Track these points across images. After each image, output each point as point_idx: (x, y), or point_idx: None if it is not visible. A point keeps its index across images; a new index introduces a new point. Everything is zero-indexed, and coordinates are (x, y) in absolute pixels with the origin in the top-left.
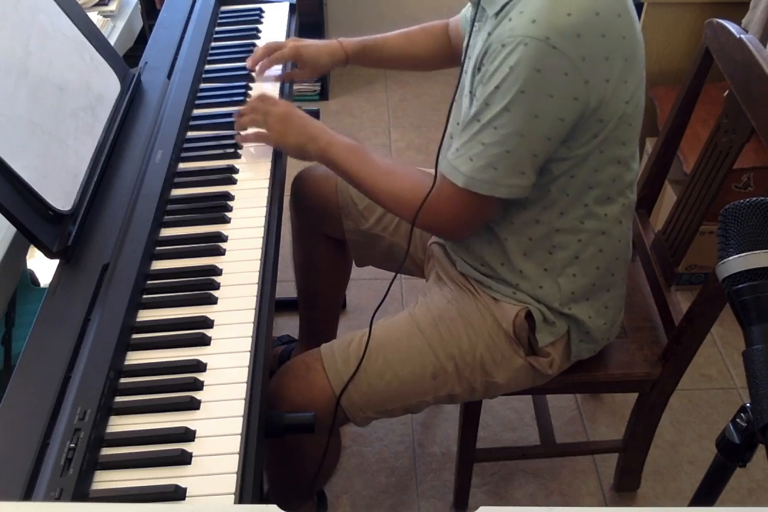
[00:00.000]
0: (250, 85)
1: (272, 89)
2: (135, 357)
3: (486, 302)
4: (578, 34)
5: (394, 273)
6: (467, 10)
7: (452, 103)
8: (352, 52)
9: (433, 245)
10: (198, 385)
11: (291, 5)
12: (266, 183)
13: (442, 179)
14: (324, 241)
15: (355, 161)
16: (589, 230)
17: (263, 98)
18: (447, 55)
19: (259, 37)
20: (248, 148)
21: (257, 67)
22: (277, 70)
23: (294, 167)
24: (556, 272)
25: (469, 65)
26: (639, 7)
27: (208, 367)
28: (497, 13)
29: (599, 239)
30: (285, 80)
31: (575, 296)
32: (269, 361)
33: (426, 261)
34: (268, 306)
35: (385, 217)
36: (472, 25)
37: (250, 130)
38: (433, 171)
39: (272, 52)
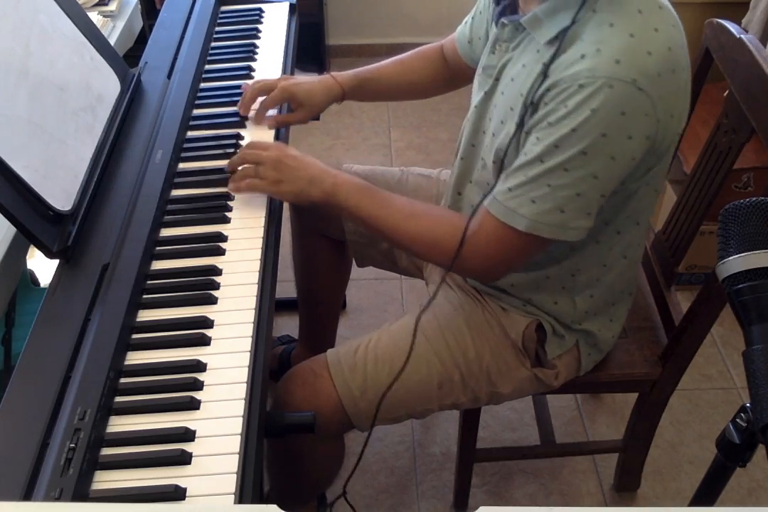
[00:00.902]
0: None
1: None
2: (135, 357)
3: (494, 310)
4: (659, 73)
5: (394, 274)
6: (465, 27)
7: (469, 121)
8: (349, 87)
9: None
10: (198, 385)
11: (291, 5)
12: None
13: (489, 220)
14: (324, 242)
15: (369, 203)
16: (615, 254)
17: (252, 145)
18: (445, 79)
19: (259, 37)
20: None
21: (250, 114)
22: (270, 113)
23: None
24: (574, 292)
25: (509, 91)
26: None
27: (208, 367)
28: (551, 41)
29: (622, 262)
30: (279, 126)
31: (588, 314)
32: (269, 361)
33: (425, 265)
34: (268, 306)
35: None
36: (495, 44)
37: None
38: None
39: (262, 94)
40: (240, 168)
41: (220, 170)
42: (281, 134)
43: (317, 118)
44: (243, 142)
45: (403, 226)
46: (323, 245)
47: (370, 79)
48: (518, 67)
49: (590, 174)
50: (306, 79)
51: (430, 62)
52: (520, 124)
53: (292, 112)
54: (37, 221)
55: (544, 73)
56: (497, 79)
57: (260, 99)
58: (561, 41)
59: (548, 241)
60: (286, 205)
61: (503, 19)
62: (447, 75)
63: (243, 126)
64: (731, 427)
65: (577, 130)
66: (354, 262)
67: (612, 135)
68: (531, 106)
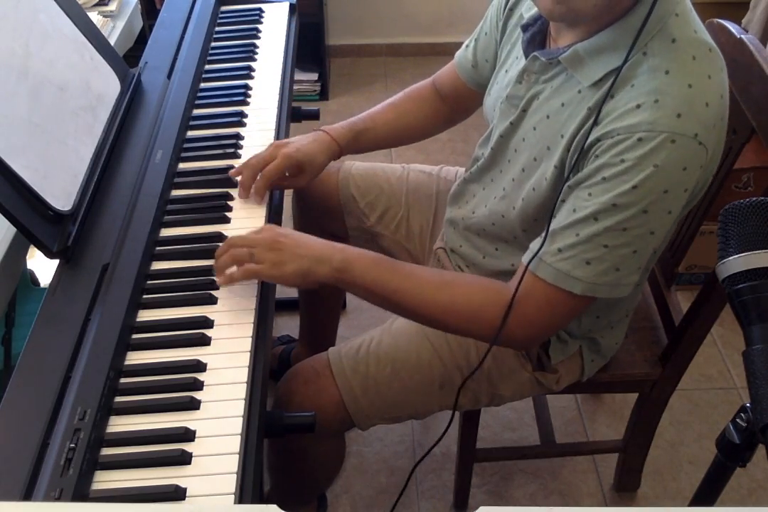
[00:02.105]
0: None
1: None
2: (135, 357)
3: None
4: (714, 124)
5: None
6: (467, 52)
7: (489, 146)
8: (345, 142)
9: (439, 250)
10: (198, 385)
11: (291, 5)
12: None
13: (538, 284)
14: (325, 238)
15: (390, 277)
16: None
17: (238, 236)
18: (444, 116)
19: (259, 37)
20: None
21: (252, 191)
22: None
23: None
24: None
25: (545, 129)
26: None
27: (208, 367)
28: (596, 84)
29: (636, 290)
30: (273, 189)
31: (592, 330)
32: (269, 361)
33: (426, 261)
34: (268, 306)
35: (386, 216)
36: (523, 74)
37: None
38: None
39: (259, 169)
40: (229, 253)
41: (220, 170)
42: (275, 197)
43: (317, 118)
44: (243, 153)
45: (435, 297)
46: None
47: (365, 130)
48: (556, 105)
49: (648, 231)
50: (301, 141)
51: (424, 101)
52: (561, 168)
53: (292, 179)
54: (37, 221)
55: (594, 121)
56: (524, 111)
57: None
58: (610, 85)
59: (597, 299)
60: (286, 205)
61: (538, 55)
62: (445, 112)
63: (243, 125)
64: (731, 427)
65: (639, 187)
66: None
67: (672, 190)
68: (577, 153)
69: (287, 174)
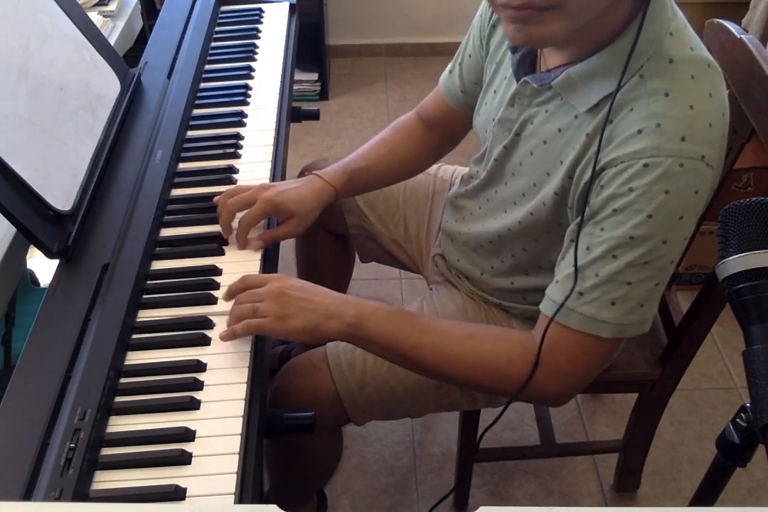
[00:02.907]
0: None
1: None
2: (135, 357)
3: (496, 316)
4: (719, 144)
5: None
6: (453, 77)
7: (484, 168)
8: (340, 184)
9: (437, 258)
10: (198, 385)
11: (291, 5)
12: (266, 182)
13: (565, 333)
14: (327, 238)
15: (409, 332)
16: None
17: (245, 282)
18: (434, 147)
19: (259, 37)
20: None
21: (232, 236)
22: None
23: (295, 167)
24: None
25: (543, 155)
26: None
27: (208, 367)
28: (592, 109)
29: None
30: (267, 245)
31: None
32: (269, 361)
33: (423, 265)
34: None
35: (384, 215)
36: (514, 98)
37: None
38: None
39: (240, 209)
40: (233, 310)
41: (220, 170)
42: (278, 158)
43: (317, 118)
44: (243, 153)
45: (457, 353)
46: (326, 240)
47: (359, 170)
48: (552, 130)
49: (669, 261)
50: (288, 184)
51: (412, 132)
52: (561, 195)
53: (281, 225)
54: (37, 221)
55: (597, 149)
56: (518, 134)
57: (239, 215)
58: (607, 111)
59: (619, 343)
60: None
61: (529, 80)
62: (434, 143)
63: (243, 125)
64: (731, 427)
65: (654, 217)
66: (359, 258)
67: (687, 216)
68: (581, 186)
69: (277, 221)
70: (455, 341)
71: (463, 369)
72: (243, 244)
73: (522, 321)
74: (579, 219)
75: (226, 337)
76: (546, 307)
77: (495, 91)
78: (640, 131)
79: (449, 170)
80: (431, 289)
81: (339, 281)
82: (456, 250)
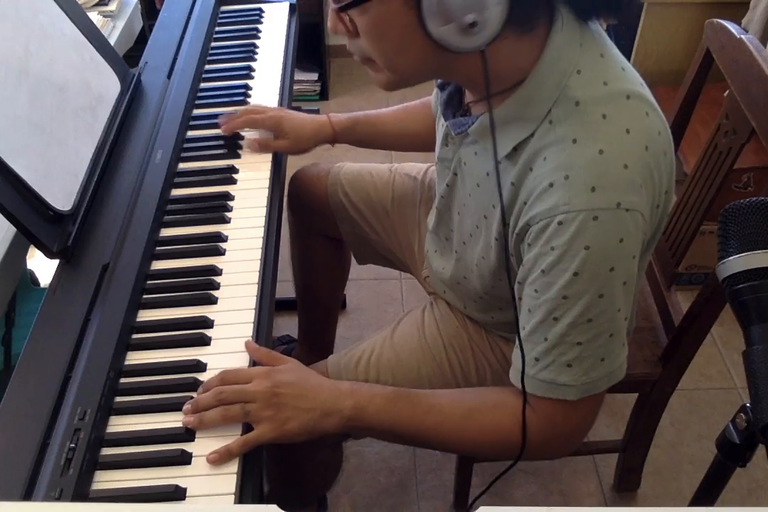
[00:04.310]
0: (242, 133)
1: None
2: (135, 357)
3: (496, 340)
4: (641, 184)
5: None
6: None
7: (435, 207)
8: (340, 128)
9: (428, 278)
10: (198, 385)
11: (291, 5)
12: (266, 183)
13: (538, 400)
14: (322, 241)
15: (410, 415)
16: None
17: (228, 377)
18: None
19: (259, 37)
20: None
21: (224, 128)
22: (254, 134)
23: (294, 167)
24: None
25: (478, 197)
26: (639, 8)
27: (208, 367)
28: (510, 156)
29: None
30: (261, 149)
31: None
32: None
33: (418, 276)
34: (268, 306)
35: (376, 224)
36: (446, 138)
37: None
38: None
39: (248, 114)
40: (215, 409)
41: (220, 170)
42: (279, 158)
43: (317, 113)
44: (243, 152)
45: (462, 431)
46: (321, 244)
47: (365, 122)
48: (481, 174)
49: (615, 310)
50: (300, 114)
51: (430, 110)
52: (501, 242)
53: (278, 140)
54: (37, 221)
55: (523, 201)
56: (456, 174)
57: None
58: (528, 157)
59: (605, 392)
60: (286, 205)
61: (449, 126)
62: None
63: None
64: (731, 427)
65: (580, 274)
66: (355, 260)
67: (619, 265)
68: (514, 234)
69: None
70: (457, 419)
71: (469, 445)
72: (229, 129)
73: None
74: (496, 238)
75: (220, 459)
76: (512, 375)
77: (441, 125)
78: (551, 184)
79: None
80: (431, 298)
81: (335, 285)
82: (438, 284)
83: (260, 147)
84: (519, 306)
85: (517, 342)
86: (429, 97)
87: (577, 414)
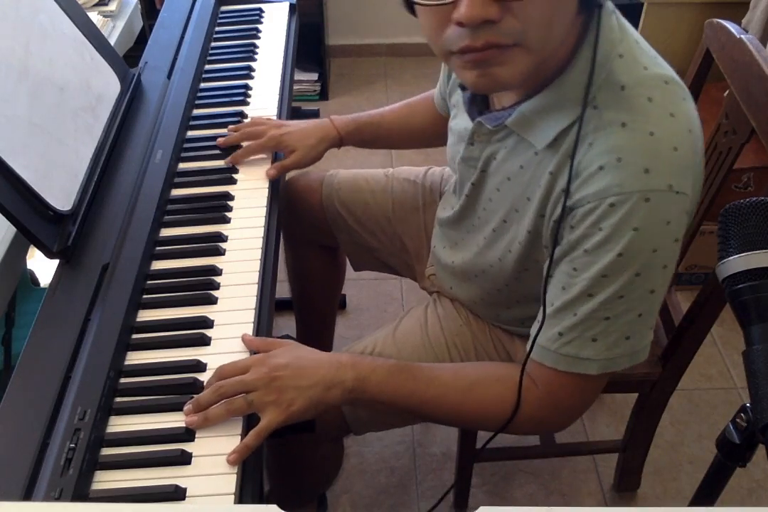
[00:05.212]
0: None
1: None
2: (135, 357)
3: (500, 336)
4: (687, 165)
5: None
6: (440, 82)
7: (455, 205)
8: (345, 131)
9: (432, 277)
10: (198, 385)
11: (291, 5)
12: (266, 183)
13: (546, 373)
14: (316, 251)
15: (411, 387)
16: None
17: (223, 372)
18: (441, 127)
19: (259, 37)
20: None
21: (229, 159)
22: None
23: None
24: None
25: (508, 191)
26: (639, 7)
27: (208, 367)
28: (551, 145)
29: None
30: (278, 174)
31: None
32: None
33: (420, 278)
34: (268, 306)
35: (377, 232)
36: (473, 137)
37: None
38: None
39: (246, 139)
40: (219, 404)
41: (220, 170)
42: (278, 158)
43: (317, 116)
44: (240, 166)
45: (464, 403)
46: (316, 254)
47: (369, 123)
48: (514, 167)
49: (647, 291)
50: (299, 125)
51: (433, 105)
52: (534, 234)
53: (288, 160)
54: (37, 221)
55: (564, 189)
56: (484, 171)
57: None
58: (569, 146)
59: (605, 378)
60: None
61: (483, 121)
62: (444, 124)
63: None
64: (731, 427)
65: (624, 254)
66: (351, 267)
67: (662, 247)
68: (551, 222)
69: (282, 155)
70: (459, 392)
71: (470, 419)
72: (235, 160)
73: (526, 339)
74: (549, 259)
75: (240, 457)
76: (529, 347)
77: (457, 123)
78: (601, 167)
79: (437, 173)
80: (433, 297)
81: (330, 292)
82: (447, 278)
83: (278, 171)
84: (548, 283)
85: (539, 318)
86: (430, 92)
87: (594, 387)
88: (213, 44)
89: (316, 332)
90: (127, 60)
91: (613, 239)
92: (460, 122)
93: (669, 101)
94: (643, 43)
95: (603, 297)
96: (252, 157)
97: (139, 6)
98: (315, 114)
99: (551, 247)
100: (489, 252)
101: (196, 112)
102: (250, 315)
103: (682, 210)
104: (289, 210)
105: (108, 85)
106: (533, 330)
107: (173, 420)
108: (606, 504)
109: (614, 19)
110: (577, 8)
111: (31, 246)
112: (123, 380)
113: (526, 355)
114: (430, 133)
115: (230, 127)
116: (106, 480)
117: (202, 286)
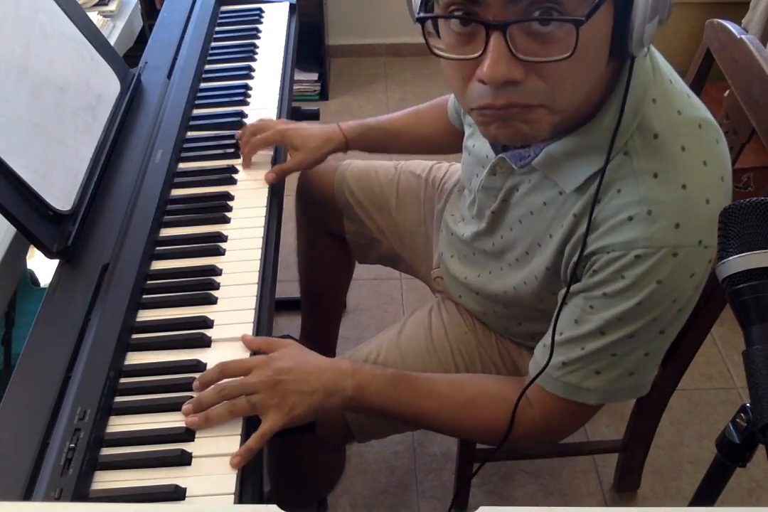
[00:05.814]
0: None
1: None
2: (135, 358)
3: (507, 347)
4: (718, 218)
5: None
6: (458, 106)
7: (474, 230)
8: (351, 135)
9: (439, 279)
10: None
11: (291, 5)
12: (266, 183)
13: (547, 398)
14: (328, 238)
15: (409, 399)
16: None
17: (226, 368)
18: (453, 135)
19: (259, 37)
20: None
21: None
22: (266, 156)
23: None
24: None
25: (531, 225)
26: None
27: (207, 367)
28: (579, 189)
29: None
30: (279, 177)
31: None
32: None
33: (425, 277)
34: (268, 306)
35: (382, 222)
36: (495, 168)
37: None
38: None
39: (252, 133)
40: (220, 405)
41: (220, 170)
42: (278, 159)
43: (317, 118)
44: (240, 166)
45: (461, 419)
46: (327, 241)
47: (376, 128)
48: (537, 203)
49: (658, 332)
50: (305, 126)
51: (444, 113)
52: (553, 271)
53: (291, 159)
54: (37, 221)
55: (585, 232)
56: (505, 200)
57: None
58: (596, 191)
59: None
60: (286, 205)
61: (507, 159)
62: (456, 132)
63: (243, 125)
64: (731, 427)
65: (644, 303)
66: (356, 259)
67: (682, 295)
68: (570, 263)
69: (282, 155)
70: (456, 406)
71: (465, 434)
72: (248, 163)
73: (533, 352)
74: (566, 291)
75: (243, 459)
76: (532, 370)
77: (474, 146)
78: (630, 218)
79: (443, 168)
80: (437, 298)
81: (340, 282)
82: (456, 288)
83: (277, 175)
84: (560, 310)
85: (545, 343)
86: (440, 99)
87: (584, 416)
88: (213, 44)
89: (322, 329)
90: (127, 60)
91: (635, 288)
92: (480, 147)
93: (702, 148)
94: (677, 82)
95: (614, 337)
96: (258, 153)
97: (139, 6)
98: (315, 114)
99: (567, 285)
100: (507, 279)
101: (196, 112)
102: (250, 315)
103: (706, 261)
104: (302, 196)
105: (108, 85)
106: (537, 351)
107: (173, 420)
108: (606, 504)
109: (648, 60)
110: (606, 61)
111: (31, 246)
112: (123, 380)
113: (528, 381)
114: (440, 143)
115: (239, 133)
116: (106, 480)
117: (202, 286)
